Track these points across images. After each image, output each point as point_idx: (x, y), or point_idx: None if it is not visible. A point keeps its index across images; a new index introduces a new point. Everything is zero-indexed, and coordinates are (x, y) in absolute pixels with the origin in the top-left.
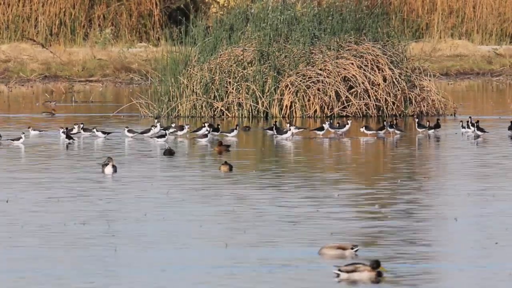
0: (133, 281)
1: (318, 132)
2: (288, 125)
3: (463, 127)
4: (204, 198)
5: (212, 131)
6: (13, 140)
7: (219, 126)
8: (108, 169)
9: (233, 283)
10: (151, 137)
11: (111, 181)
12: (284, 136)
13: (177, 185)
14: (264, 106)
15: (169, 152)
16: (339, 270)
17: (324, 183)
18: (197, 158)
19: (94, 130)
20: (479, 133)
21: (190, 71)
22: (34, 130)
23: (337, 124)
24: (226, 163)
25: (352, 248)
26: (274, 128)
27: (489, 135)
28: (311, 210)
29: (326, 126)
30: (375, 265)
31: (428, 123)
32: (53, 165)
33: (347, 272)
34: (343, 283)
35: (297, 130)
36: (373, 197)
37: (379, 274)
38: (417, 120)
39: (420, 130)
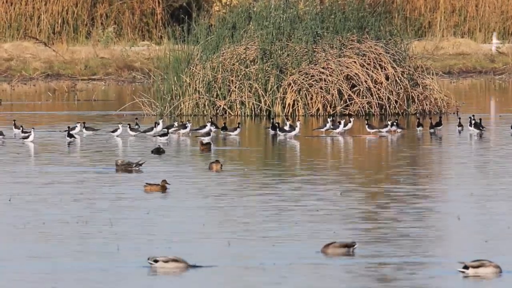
0: (134, 280)
1: (334, 130)
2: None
3: (460, 125)
4: (205, 196)
5: (221, 129)
6: (23, 138)
7: (225, 124)
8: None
9: (235, 281)
10: (153, 136)
11: (112, 180)
12: (292, 133)
13: (175, 183)
14: (267, 104)
15: (157, 151)
16: (465, 267)
17: (326, 182)
18: (189, 156)
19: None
20: (476, 130)
21: (193, 69)
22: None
23: (338, 123)
24: (217, 161)
25: (352, 246)
26: (273, 127)
27: (492, 133)
28: (311, 208)
29: (340, 123)
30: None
31: (430, 120)
32: (54, 163)
33: (473, 267)
34: (341, 280)
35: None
36: (374, 195)
37: (501, 271)
38: (418, 119)
39: (418, 129)
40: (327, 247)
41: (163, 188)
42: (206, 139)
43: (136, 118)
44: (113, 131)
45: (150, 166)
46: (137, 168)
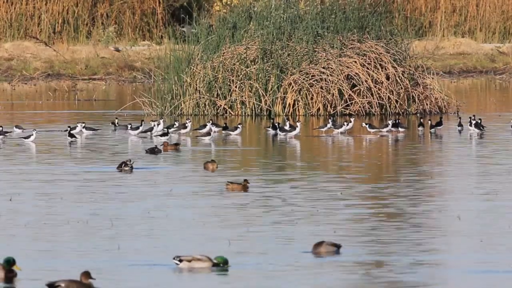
0: (135, 279)
1: (336, 130)
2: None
3: (460, 125)
4: (205, 196)
5: (222, 129)
6: (25, 138)
7: (226, 124)
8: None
9: (237, 281)
10: (154, 135)
11: (113, 179)
12: (292, 133)
13: (175, 183)
14: (267, 104)
15: (152, 151)
16: None
17: (326, 181)
18: (186, 156)
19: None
20: (477, 130)
21: (193, 69)
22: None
23: (337, 122)
24: (213, 161)
25: (340, 246)
26: (273, 126)
27: (492, 132)
28: (311, 208)
29: (345, 124)
30: None
31: (429, 121)
32: (55, 163)
33: None
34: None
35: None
36: (375, 195)
37: None
38: (420, 119)
39: (419, 129)
40: (319, 246)
41: (244, 187)
42: (206, 139)
43: (116, 118)
44: (135, 129)
45: (146, 165)
46: (126, 168)
